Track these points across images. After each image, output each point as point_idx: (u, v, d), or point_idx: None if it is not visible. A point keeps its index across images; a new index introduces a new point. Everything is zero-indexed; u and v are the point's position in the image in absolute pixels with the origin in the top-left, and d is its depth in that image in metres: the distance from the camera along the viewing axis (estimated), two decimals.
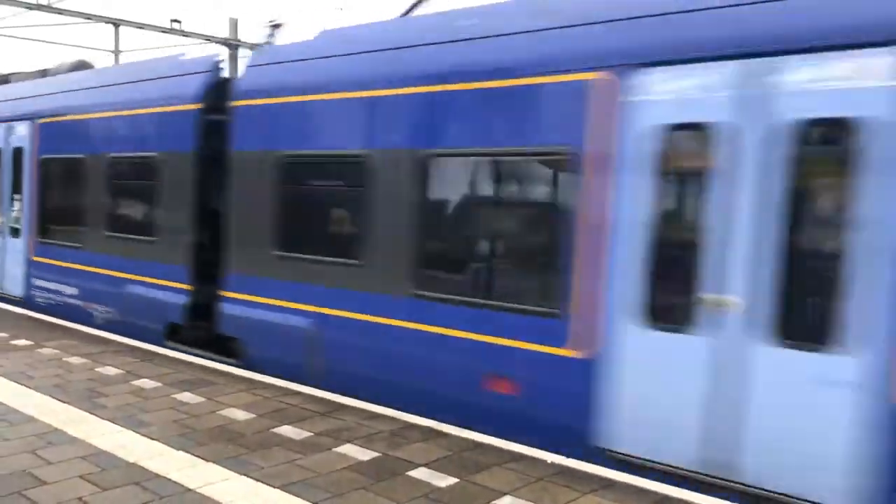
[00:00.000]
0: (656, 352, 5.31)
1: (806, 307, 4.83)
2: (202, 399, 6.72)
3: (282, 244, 7.71)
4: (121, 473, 4.90)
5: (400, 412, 6.45)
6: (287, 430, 5.92)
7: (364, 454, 5.42)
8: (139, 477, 4.85)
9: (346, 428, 6.02)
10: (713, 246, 5.07)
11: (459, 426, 6.10)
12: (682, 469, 5.23)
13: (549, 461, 5.38)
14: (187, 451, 5.34)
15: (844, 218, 4.62)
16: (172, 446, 5.44)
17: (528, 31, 6.19)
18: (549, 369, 5.82)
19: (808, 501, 4.72)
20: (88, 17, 23.07)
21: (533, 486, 4.93)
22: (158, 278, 9.16)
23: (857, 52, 4.54)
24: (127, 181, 9.75)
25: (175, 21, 24.02)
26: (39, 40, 30.54)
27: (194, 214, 8.75)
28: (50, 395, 6.62)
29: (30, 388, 6.85)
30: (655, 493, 4.86)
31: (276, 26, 9.07)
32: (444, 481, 4.96)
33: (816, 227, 4.87)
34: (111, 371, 7.61)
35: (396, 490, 4.79)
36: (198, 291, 8.77)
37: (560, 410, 5.77)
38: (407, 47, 6.94)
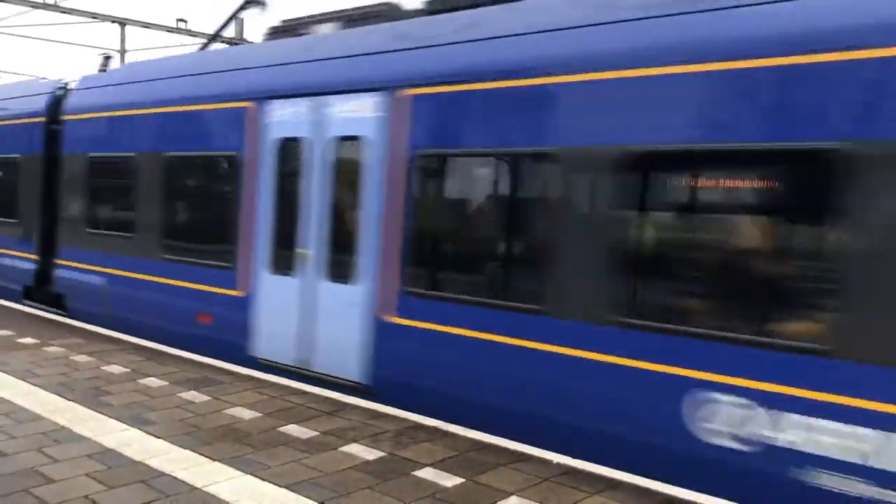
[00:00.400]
0: (276, 289, 7.94)
1: (340, 256, 7.36)
2: (208, 398, 6.73)
3: (90, 223, 10.63)
4: (127, 472, 4.91)
5: (405, 412, 6.48)
6: (293, 430, 5.93)
7: (370, 454, 5.43)
8: (145, 475, 4.86)
9: (351, 427, 6.04)
10: (301, 217, 7.70)
11: (186, 350, 8.65)
12: (289, 366, 7.77)
13: (554, 462, 5.38)
14: (193, 450, 5.36)
15: (357, 201, 7.19)
16: (178, 445, 5.45)
17: (215, 72, 8.98)
18: (226, 305, 8.49)
19: (346, 380, 7.25)
20: (94, 16, 23.13)
21: (539, 486, 4.93)
22: (18, 251, 12.16)
23: (361, 94, 7.23)
24: (1, 177, 12.67)
25: (181, 20, 24.09)
26: (45, 39, 30.69)
27: (40, 201, 11.62)
28: (56, 394, 6.65)
29: (36, 386, 6.88)
30: (660, 494, 4.86)
31: (108, 58, 12.44)
32: (450, 481, 4.96)
33: (344, 205, 7.37)
34: (117, 369, 7.63)
35: (402, 490, 4.80)
36: (42, 260, 11.66)
37: (233, 333, 8.38)
38: (156, 79, 9.82)
